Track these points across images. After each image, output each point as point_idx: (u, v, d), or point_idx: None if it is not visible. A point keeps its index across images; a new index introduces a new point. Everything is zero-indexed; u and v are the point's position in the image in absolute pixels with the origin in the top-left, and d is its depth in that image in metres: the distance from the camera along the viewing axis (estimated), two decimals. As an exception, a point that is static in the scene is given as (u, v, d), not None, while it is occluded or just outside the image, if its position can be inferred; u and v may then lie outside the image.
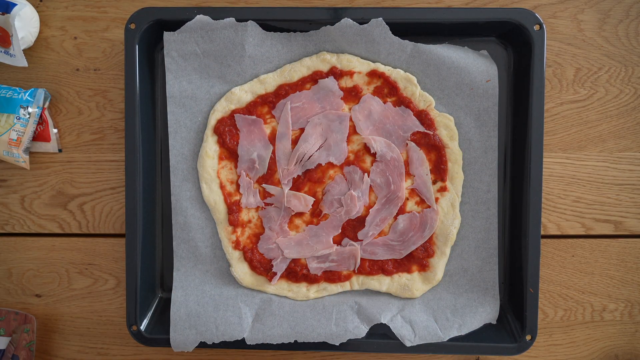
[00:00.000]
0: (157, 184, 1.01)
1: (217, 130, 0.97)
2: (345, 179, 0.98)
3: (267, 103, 0.98)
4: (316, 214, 0.99)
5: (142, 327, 0.97)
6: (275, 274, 0.98)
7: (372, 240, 0.98)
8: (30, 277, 1.05)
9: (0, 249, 1.05)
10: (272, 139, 0.98)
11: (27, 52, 1.02)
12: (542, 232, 1.00)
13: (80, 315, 1.05)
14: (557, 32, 1.01)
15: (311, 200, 0.98)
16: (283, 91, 0.97)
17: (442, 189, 0.98)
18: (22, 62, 0.97)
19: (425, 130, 0.97)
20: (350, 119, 0.98)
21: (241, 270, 0.98)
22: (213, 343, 0.95)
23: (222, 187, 0.98)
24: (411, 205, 0.98)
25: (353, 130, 0.98)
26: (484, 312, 0.98)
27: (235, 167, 0.99)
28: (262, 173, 0.98)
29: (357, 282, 0.99)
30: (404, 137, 0.97)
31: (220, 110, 0.98)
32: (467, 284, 0.99)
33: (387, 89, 0.97)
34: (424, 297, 0.99)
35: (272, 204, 0.98)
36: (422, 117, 0.97)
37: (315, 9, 0.96)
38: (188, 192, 0.99)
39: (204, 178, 0.98)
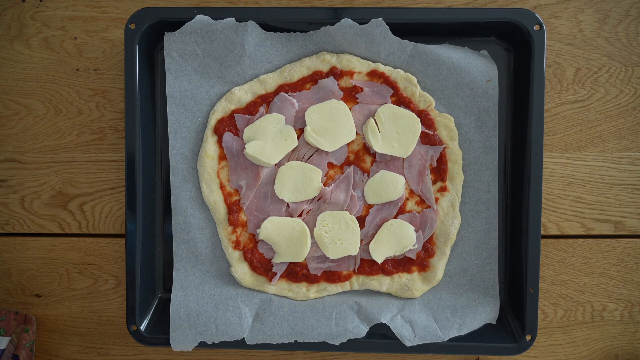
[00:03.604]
0: (157, 184, 1.01)
1: (217, 131, 0.97)
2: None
3: (267, 103, 0.98)
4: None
5: (142, 327, 0.97)
6: (275, 274, 0.98)
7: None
8: (30, 277, 1.05)
9: (0, 249, 1.05)
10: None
11: (27, 51, 1.03)
12: (542, 232, 1.00)
13: (80, 315, 1.05)
14: (557, 32, 1.01)
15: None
16: (283, 91, 0.97)
17: (442, 189, 0.98)
18: None
19: (426, 130, 0.97)
20: (350, 119, 0.98)
21: (241, 270, 0.98)
22: (213, 343, 0.95)
23: (222, 187, 0.98)
24: (411, 205, 0.98)
25: (353, 130, 0.99)
26: (484, 312, 0.97)
27: (235, 167, 0.99)
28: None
29: (357, 282, 0.99)
30: (404, 137, 0.98)
31: (220, 110, 0.98)
32: (467, 284, 0.99)
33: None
34: (424, 297, 0.99)
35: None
36: (422, 117, 0.97)
37: (315, 9, 0.96)
38: (188, 192, 0.99)
39: (204, 178, 0.98)
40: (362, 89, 0.97)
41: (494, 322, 0.98)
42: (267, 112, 0.98)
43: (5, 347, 0.99)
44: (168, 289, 1.02)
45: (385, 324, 0.95)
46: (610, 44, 1.01)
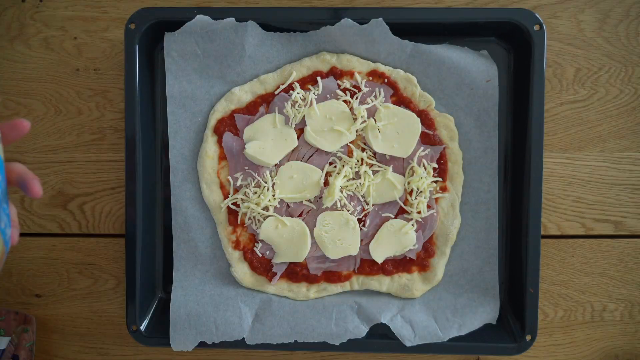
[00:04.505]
0: (157, 184, 1.01)
1: (217, 131, 0.97)
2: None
3: (267, 103, 0.98)
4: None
5: (142, 327, 0.97)
6: (275, 274, 0.98)
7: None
8: (30, 277, 1.05)
9: (0, 249, 1.05)
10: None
11: (27, 51, 1.03)
12: (542, 232, 1.00)
13: (80, 315, 1.05)
14: (557, 32, 1.01)
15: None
16: (283, 91, 0.97)
17: (442, 189, 0.98)
18: None
19: (426, 130, 0.97)
20: (350, 119, 0.98)
21: (241, 270, 0.98)
22: (213, 343, 0.95)
23: (222, 187, 0.98)
24: (411, 205, 0.98)
25: (353, 130, 0.98)
26: (484, 312, 0.97)
27: (235, 167, 0.99)
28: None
29: (357, 282, 0.99)
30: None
31: (220, 110, 0.98)
32: (467, 284, 0.99)
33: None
34: (424, 297, 0.99)
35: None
36: (422, 117, 0.97)
37: (315, 9, 0.96)
38: (188, 192, 0.99)
39: (204, 178, 0.98)
40: (362, 89, 0.97)
41: (494, 322, 0.98)
42: (267, 112, 0.98)
43: (5, 347, 0.99)
44: (168, 289, 1.02)
45: (385, 324, 0.95)
46: (610, 44, 1.01)
